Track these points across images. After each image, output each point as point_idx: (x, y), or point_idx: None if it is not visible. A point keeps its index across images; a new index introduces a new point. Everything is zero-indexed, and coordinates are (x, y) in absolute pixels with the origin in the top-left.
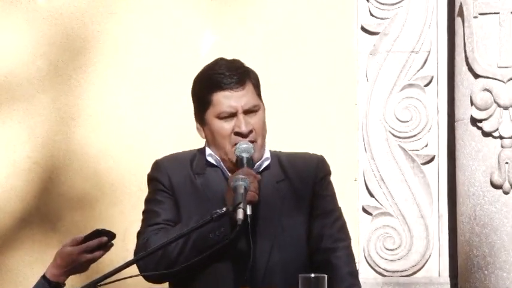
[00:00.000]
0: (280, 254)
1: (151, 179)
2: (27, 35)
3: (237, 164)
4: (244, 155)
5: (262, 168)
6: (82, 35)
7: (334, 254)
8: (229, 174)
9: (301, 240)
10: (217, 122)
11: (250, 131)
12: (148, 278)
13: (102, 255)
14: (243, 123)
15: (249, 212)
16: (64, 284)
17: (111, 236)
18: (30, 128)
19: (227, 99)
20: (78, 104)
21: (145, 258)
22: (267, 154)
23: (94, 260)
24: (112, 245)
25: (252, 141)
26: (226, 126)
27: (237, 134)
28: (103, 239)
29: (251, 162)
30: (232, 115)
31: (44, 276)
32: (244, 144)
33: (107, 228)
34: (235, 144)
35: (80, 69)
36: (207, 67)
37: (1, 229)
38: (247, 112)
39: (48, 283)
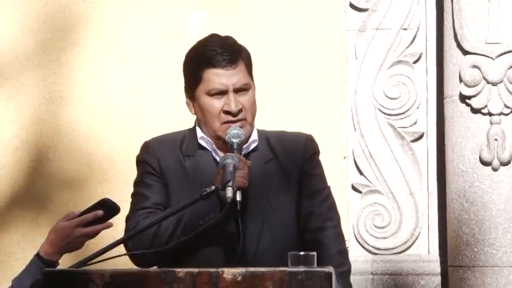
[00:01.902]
0: (270, 234)
1: (140, 162)
2: (16, 12)
3: (228, 149)
4: (235, 141)
5: (250, 150)
6: (71, 13)
7: (323, 233)
8: (219, 156)
9: (291, 219)
10: (207, 99)
11: (240, 110)
12: (136, 259)
13: (99, 230)
14: (233, 102)
15: (238, 198)
16: (58, 263)
17: (116, 209)
18: (18, 107)
19: (218, 77)
20: (66, 83)
21: (135, 241)
22: (254, 136)
23: (90, 234)
24: (111, 224)
25: (241, 120)
26: (217, 103)
27: (227, 112)
28: (99, 213)
29: (240, 147)
30: (223, 93)
31: (37, 255)
32: (234, 130)
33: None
34: (225, 122)
35: (68, 47)
36: (199, 42)
37: None
38: (238, 91)
39: (42, 261)
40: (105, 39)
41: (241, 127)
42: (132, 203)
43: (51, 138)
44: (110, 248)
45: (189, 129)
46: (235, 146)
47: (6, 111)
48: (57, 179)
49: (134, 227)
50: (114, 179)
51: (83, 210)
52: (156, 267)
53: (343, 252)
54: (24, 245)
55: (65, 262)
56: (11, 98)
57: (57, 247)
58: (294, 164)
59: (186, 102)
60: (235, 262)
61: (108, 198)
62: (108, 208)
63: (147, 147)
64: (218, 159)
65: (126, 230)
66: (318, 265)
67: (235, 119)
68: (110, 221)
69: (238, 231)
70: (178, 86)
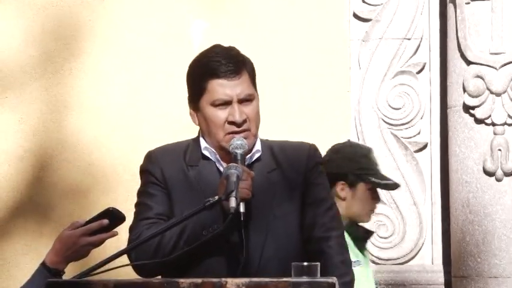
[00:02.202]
0: (274, 243)
1: (144, 171)
2: (20, 22)
3: (231, 160)
4: (238, 152)
5: (253, 160)
6: (74, 23)
7: (326, 243)
8: (223, 166)
9: (294, 228)
10: (211, 110)
11: (244, 121)
12: (139, 269)
13: (104, 239)
14: (237, 113)
15: (242, 209)
16: (63, 272)
17: (121, 218)
18: (22, 116)
19: (222, 88)
20: (70, 92)
21: (138, 251)
22: (257, 146)
23: (95, 243)
24: (116, 233)
25: (245, 130)
26: (221, 114)
27: (231, 123)
28: (104, 222)
29: (244, 158)
30: (227, 103)
31: (43, 264)
32: (238, 141)
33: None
34: (230, 133)
35: (72, 57)
36: (203, 53)
37: None
38: (242, 101)
39: (48, 270)
40: (109, 49)
41: (245, 138)
42: (135, 213)
43: (55, 147)
44: (113, 258)
45: (192, 139)
46: (238, 157)
47: (10, 120)
48: (61, 189)
49: (137, 237)
50: (118, 188)
51: (88, 219)
52: (160, 277)
53: (347, 262)
54: (28, 254)
55: (69, 272)
56: (15, 108)
57: (63, 256)
58: (297, 173)
59: (190, 114)
60: (238, 272)
61: (113, 208)
62: (114, 217)
63: (150, 157)
64: (221, 169)
65: (130, 240)
66: (321, 275)
67: (240, 129)
68: (115, 229)
69: (242, 242)
70: (181, 95)
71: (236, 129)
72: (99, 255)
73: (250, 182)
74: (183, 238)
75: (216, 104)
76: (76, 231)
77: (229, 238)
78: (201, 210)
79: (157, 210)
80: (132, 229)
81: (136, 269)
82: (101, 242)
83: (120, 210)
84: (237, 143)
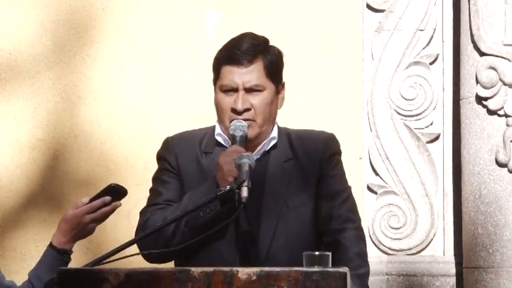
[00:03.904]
0: (284, 233)
1: (160, 158)
2: (33, 12)
3: (231, 142)
4: (237, 133)
5: (268, 147)
6: (88, 12)
7: (342, 234)
8: None
9: (306, 219)
10: (220, 95)
11: (247, 109)
12: (148, 258)
13: (107, 213)
14: (240, 101)
15: (245, 194)
16: (71, 251)
17: (123, 192)
18: (35, 106)
19: (231, 74)
20: (83, 82)
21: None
22: (274, 133)
23: (99, 219)
24: (119, 204)
25: (247, 120)
26: (227, 100)
27: (233, 110)
28: (106, 199)
29: (243, 140)
30: (233, 90)
31: (50, 245)
32: (237, 123)
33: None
34: (231, 120)
35: (85, 46)
36: (232, 39)
37: (6, 207)
38: (249, 90)
39: (57, 251)
40: (122, 38)
41: (248, 126)
42: (148, 199)
43: (68, 137)
44: (124, 247)
45: (212, 126)
46: (237, 139)
47: (23, 110)
48: (73, 178)
49: (144, 222)
50: (130, 178)
51: (91, 197)
52: (172, 266)
53: (362, 255)
54: (40, 243)
55: (81, 261)
56: (28, 97)
57: (69, 235)
58: (313, 164)
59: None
60: (248, 260)
61: (115, 184)
62: (116, 193)
63: (167, 144)
64: None
65: (138, 225)
66: (337, 266)
67: (241, 118)
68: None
69: (256, 229)
70: (195, 85)
71: (237, 117)
72: (110, 245)
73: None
74: (182, 221)
75: (223, 90)
76: (80, 210)
77: (239, 226)
78: (213, 200)
79: (166, 196)
80: (141, 214)
81: (144, 256)
82: (105, 217)
83: (121, 185)
84: (236, 124)
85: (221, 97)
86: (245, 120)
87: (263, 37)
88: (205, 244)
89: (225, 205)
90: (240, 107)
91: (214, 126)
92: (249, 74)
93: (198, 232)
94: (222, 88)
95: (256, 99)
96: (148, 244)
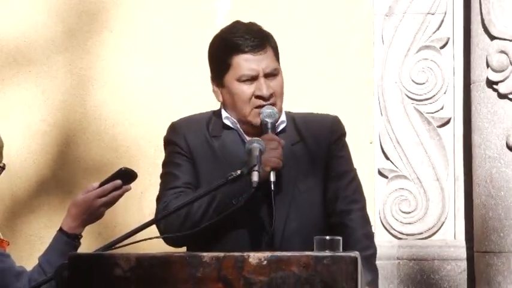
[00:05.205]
0: (297, 217)
1: (169, 142)
2: None
3: (262, 129)
4: (269, 120)
5: (278, 131)
6: None
7: (348, 216)
8: (246, 137)
9: (317, 201)
10: (237, 85)
11: (271, 95)
12: (168, 241)
13: (117, 196)
14: (264, 87)
15: (273, 178)
16: (81, 236)
17: (133, 176)
18: (46, 91)
19: (248, 62)
20: (94, 67)
21: (167, 222)
22: (282, 117)
23: (109, 203)
24: (130, 188)
25: (272, 104)
26: (247, 89)
27: (258, 97)
28: (117, 183)
29: (275, 127)
30: (253, 78)
31: (61, 230)
32: (268, 109)
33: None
34: (257, 107)
35: (95, 32)
36: (224, 30)
37: (17, 193)
38: (268, 76)
39: (67, 236)
40: (132, 24)
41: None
42: (162, 183)
43: (78, 122)
44: (138, 230)
45: (213, 111)
46: (269, 125)
47: (34, 95)
48: (84, 164)
49: (165, 206)
50: (141, 163)
51: (101, 181)
52: (185, 249)
53: (369, 236)
54: (51, 229)
55: (89, 245)
56: (39, 83)
57: (80, 220)
58: (321, 146)
59: (213, 90)
60: (264, 244)
61: (125, 167)
62: (126, 176)
63: (174, 128)
64: (244, 137)
65: (157, 210)
66: (344, 249)
67: (267, 103)
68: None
69: (271, 213)
70: (204, 69)
71: (264, 103)
72: (122, 229)
73: (281, 151)
74: (212, 207)
75: (242, 80)
76: (90, 195)
77: (255, 210)
78: (224, 184)
79: (184, 180)
80: (159, 199)
81: (166, 239)
82: (114, 201)
83: (132, 168)
84: (268, 111)
85: (240, 87)
86: (271, 105)
87: (255, 23)
88: (222, 228)
89: (258, 193)
90: (266, 92)
91: (217, 111)
92: (265, 59)
93: (222, 215)
94: (242, 78)
95: (274, 83)
96: (173, 228)
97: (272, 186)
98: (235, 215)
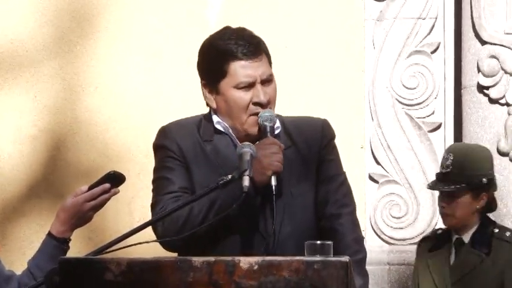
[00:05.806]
0: (291, 222)
1: (159, 147)
2: (34, 1)
3: (260, 133)
4: (268, 124)
5: (275, 134)
6: (89, 2)
7: (338, 220)
8: (238, 142)
9: (310, 206)
10: (234, 92)
11: (268, 101)
12: (165, 244)
13: (106, 201)
14: (262, 93)
15: (274, 182)
16: (70, 239)
17: (121, 179)
18: (37, 95)
19: (245, 69)
20: (84, 72)
21: (166, 225)
22: (277, 123)
23: (98, 206)
24: (118, 191)
25: None
26: (245, 96)
27: (256, 104)
28: (106, 186)
29: (273, 130)
30: (250, 85)
31: (49, 234)
32: (267, 113)
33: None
34: (254, 114)
35: (86, 36)
36: (215, 36)
37: (8, 197)
38: (264, 82)
39: (56, 240)
40: (123, 28)
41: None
42: (155, 189)
43: (69, 127)
44: (130, 234)
45: (203, 115)
46: (268, 129)
47: (25, 100)
48: (75, 168)
49: (163, 211)
50: (132, 167)
51: (90, 185)
52: (176, 255)
53: (359, 240)
54: (42, 233)
55: (79, 249)
56: (30, 87)
57: (69, 224)
58: (312, 150)
59: (205, 97)
60: (261, 249)
61: (114, 171)
62: (115, 180)
63: (165, 132)
64: (237, 142)
65: (155, 215)
66: (334, 253)
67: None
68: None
69: (268, 218)
70: (196, 76)
71: (261, 110)
72: (112, 234)
73: (282, 155)
74: (213, 211)
75: (239, 87)
76: (79, 198)
77: (254, 214)
78: (215, 189)
79: (180, 184)
80: (155, 204)
81: (163, 244)
82: (103, 204)
83: (120, 172)
84: (266, 115)
85: (238, 94)
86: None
87: (246, 28)
88: (218, 233)
89: (258, 198)
90: (263, 99)
91: (207, 115)
92: (261, 66)
93: (219, 216)
94: (240, 85)
95: (270, 89)
96: (172, 231)
97: (274, 190)
98: (231, 219)
